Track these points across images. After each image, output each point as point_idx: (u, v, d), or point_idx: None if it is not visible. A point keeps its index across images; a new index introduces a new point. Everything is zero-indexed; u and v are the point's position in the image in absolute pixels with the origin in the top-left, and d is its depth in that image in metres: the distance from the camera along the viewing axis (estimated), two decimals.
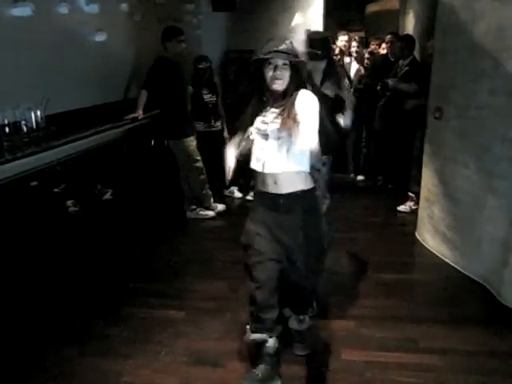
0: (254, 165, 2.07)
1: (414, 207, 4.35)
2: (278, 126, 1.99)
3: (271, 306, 2.10)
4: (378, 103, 5.04)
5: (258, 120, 2.06)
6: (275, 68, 1.97)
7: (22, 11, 3.14)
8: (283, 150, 2.00)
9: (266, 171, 2.04)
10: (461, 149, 3.19)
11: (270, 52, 1.96)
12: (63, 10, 3.62)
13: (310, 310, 2.43)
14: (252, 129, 2.06)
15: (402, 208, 4.48)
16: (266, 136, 2.02)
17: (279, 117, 2.00)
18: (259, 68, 2.02)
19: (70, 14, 3.72)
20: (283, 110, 2.00)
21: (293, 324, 2.39)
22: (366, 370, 2.26)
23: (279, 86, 2.00)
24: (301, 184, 2.07)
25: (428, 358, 2.35)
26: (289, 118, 1.96)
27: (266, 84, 2.03)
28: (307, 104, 1.96)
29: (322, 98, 2.24)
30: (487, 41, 2.88)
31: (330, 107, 2.54)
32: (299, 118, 1.91)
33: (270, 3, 6.79)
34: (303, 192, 2.07)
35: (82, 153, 3.50)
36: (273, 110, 2.05)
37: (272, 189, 2.06)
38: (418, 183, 4.00)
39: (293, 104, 1.97)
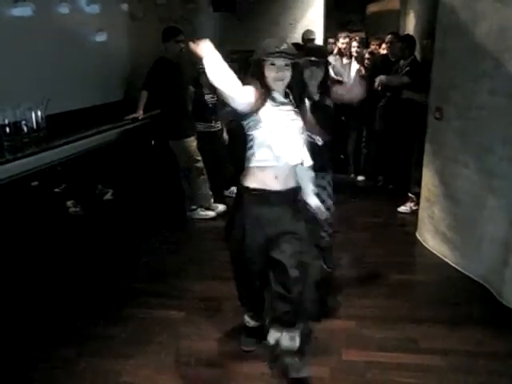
0: (266, 160, 2.05)
1: (414, 208, 4.35)
2: (296, 121, 2.06)
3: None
4: (379, 104, 5.05)
5: (273, 113, 2.04)
6: (278, 69, 2.00)
7: (22, 11, 3.14)
8: (296, 142, 2.07)
9: (280, 164, 2.05)
10: (461, 149, 3.19)
11: (272, 53, 1.98)
12: (64, 10, 3.62)
13: (302, 326, 2.15)
14: (267, 121, 2.03)
15: (402, 209, 4.47)
16: (285, 129, 2.04)
17: (292, 115, 2.07)
18: (259, 68, 2.03)
19: (71, 14, 3.72)
20: (296, 111, 2.08)
21: (285, 341, 2.10)
22: (367, 370, 2.26)
23: (281, 86, 2.04)
24: (294, 181, 2.14)
25: (428, 358, 2.34)
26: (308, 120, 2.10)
27: (266, 83, 2.04)
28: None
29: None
30: (488, 41, 2.88)
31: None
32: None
33: (270, 4, 6.80)
34: (294, 189, 2.14)
35: (82, 153, 3.50)
36: (282, 107, 2.06)
37: (270, 185, 2.06)
38: (419, 184, 4.01)
39: (305, 109, 2.11)
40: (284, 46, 1.99)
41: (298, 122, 2.08)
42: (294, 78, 2.06)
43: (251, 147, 2.09)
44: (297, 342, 2.10)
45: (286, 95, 2.09)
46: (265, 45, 2.03)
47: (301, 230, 2.14)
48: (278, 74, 2.00)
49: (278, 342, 2.10)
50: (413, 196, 4.39)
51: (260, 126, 2.04)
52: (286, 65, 2.00)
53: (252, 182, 2.10)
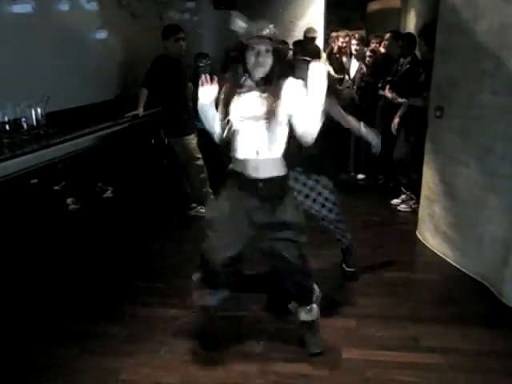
0: (243, 153, 2.07)
1: (414, 206, 4.36)
2: (264, 109, 1.99)
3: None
4: (379, 103, 5.03)
5: (240, 106, 2.04)
6: (258, 54, 1.97)
7: (22, 8, 3.14)
8: (270, 133, 2.02)
9: (259, 157, 2.04)
10: (462, 148, 3.18)
11: (253, 37, 1.96)
12: (64, 7, 3.62)
13: (315, 298, 2.36)
14: (234, 117, 2.04)
15: (402, 207, 4.48)
16: (254, 120, 2.01)
17: (265, 100, 2.00)
18: (241, 52, 2.01)
19: (71, 12, 3.71)
20: (269, 94, 2.00)
21: (303, 316, 2.33)
22: (367, 368, 2.26)
23: (261, 72, 2.01)
24: (279, 169, 2.10)
25: (429, 356, 2.34)
26: (274, 103, 1.98)
27: (247, 69, 2.02)
28: (296, 92, 2.01)
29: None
30: (489, 39, 2.87)
31: None
32: (288, 104, 1.99)
33: (271, 1, 6.79)
34: (280, 177, 2.11)
35: (82, 150, 3.49)
36: (256, 93, 2.04)
37: (252, 173, 2.07)
38: (416, 185, 4.03)
39: (279, 89, 2.00)
40: (266, 31, 1.96)
41: (277, 107, 1.99)
42: (277, 63, 2.03)
43: (231, 137, 2.10)
44: (314, 315, 2.33)
45: (266, 80, 2.03)
46: (254, 25, 2.00)
47: (293, 219, 2.12)
48: (258, 59, 1.97)
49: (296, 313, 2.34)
50: (405, 190, 4.48)
51: (234, 116, 2.05)
52: (267, 50, 1.98)
53: (235, 166, 2.15)
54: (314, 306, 2.34)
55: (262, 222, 2.12)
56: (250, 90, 2.06)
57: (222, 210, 2.16)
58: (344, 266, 3.20)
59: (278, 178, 2.10)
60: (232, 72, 2.10)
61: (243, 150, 2.08)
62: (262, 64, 1.98)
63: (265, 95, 2.01)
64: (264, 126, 2.01)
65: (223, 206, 2.16)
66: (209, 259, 2.20)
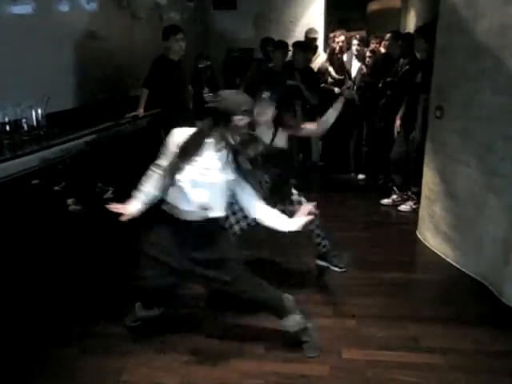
0: (181, 205, 2.24)
1: (414, 206, 4.36)
2: (216, 174, 2.16)
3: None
4: (379, 102, 5.04)
5: (194, 168, 2.17)
6: (244, 125, 2.15)
7: (22, 9, 3.15)
8: (213, 194, 2.20)
9: (197, 211, 2.19)
10: (462, 148, 3.18)
11: (247, 111, 2.14)
12: (64, 7, 3.63)
13: (288, 308, 2.30)
14: (185, 177, 2.17)
15: (402, 208, 4.48)
16: (204, 182, 2.16)
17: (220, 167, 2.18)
18: (227, 120, 2.12)
19: (71, 12, 3.72)
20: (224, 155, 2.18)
21: (287, 328, 2.34)
22: (367, 368, 2.26)
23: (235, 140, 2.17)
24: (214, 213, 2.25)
25: (429, 356, 2.34)
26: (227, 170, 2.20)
27: (224, 131, 2.14)
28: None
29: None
30: (489, 39, 2.87)
31: None
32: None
33: (271, 1, 6.79)
34: (213, 219, 2.26)
35: (82, 151, 3.49)
36: (212, 154, 2.19)
37: (186, 216, 2.26)
38: (418, 184, 4.03)
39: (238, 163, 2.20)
40: (253, 106, 2.20)
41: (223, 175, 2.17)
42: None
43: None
44: (296, 325, 2.31)
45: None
46: (239, 99, 2.16)
47: (223, 256, 2.27)
48: (244, 129, 2.16)
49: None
50: (397, 190, 4.52)
51: (185, 177, 2.18)
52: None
53: (168, 209, 2.40)
54: (292, 316, 2.30)
55: (198, 258, 2.27)
56: (209, 151, 2.20)
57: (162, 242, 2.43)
58: (335, 268, 3.17)
59: (210, 219, 2.24)
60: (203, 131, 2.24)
61: (183, 202, 2.23)
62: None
63: (221, 162, 2.18)
64: (211, 188, 2.17)
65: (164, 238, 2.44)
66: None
